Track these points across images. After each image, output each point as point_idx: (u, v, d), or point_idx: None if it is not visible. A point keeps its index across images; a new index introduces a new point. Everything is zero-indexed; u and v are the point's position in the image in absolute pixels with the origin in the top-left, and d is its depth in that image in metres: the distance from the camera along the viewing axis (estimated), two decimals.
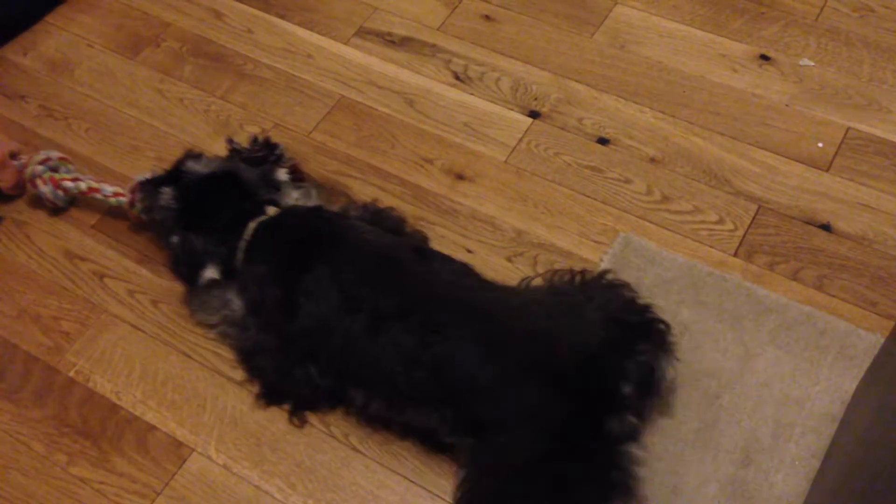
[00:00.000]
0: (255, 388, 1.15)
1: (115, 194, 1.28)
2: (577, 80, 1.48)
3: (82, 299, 1.24)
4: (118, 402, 1.14)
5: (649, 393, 1.02)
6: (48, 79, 1.51)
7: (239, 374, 1.16)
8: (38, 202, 1.33)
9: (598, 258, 1.26)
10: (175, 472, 1.08)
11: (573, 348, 1.00)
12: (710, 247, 1.27)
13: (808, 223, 1.29)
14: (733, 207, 1.31)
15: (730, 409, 1.10)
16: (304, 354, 1.10)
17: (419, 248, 1.19)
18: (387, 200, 1.34)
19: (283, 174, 1.24)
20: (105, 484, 1.07)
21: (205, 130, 1.43)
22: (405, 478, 1.08)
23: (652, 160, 1.38)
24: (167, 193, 1.18)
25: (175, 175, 1.21)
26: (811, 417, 1.09)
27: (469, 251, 1.28)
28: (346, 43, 1.55)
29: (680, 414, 1.10)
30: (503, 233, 1.30)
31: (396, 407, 1.06)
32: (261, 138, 1.29)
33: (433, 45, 1.54)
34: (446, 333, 1.01)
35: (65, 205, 1.32)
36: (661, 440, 1.08)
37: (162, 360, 1.18)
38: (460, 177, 1.37)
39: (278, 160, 1.27)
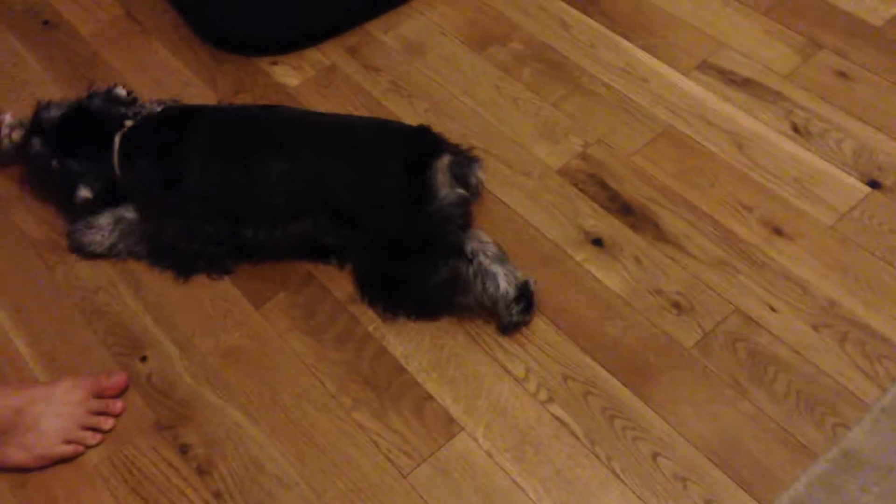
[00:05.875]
0: (170, 273, 1.33)
1: None
2: None
3: None
4: (405, 366, 1.22)
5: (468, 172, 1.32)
6: (402, 58, 1.63)
7: (518, 370, 1.20)
8: None
9: None
10: (443, 444, 1.14)
11: (405, 141, 1.31)
12: None
13: None
14: None
15: None
16: (200, 216, 1.29)
17: (265, 105, 1.49)
18: (695, 238, 1.31)
19: (120, 90, 1.40)
20: (380, 436, 1.15)
21: (530, 132, 1.49)
22: None
23: None
24: (36, 143, 1.37)
25: (36, 126, 1.38)
26: None
27: (773, 309, 1.22)
28: (686, 74, 1.54)
29: None
30: (814, 299, 1.23)
31: (280, 226, 1.27)
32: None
33: (777, 92, 1.49)
34: (309, 151, 1.28)
35: None
36: None
37: (450, 336, 1.24)
38: (778, 231, 1.31)
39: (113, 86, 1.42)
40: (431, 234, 1.24)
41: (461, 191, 1.28)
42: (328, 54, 1.65)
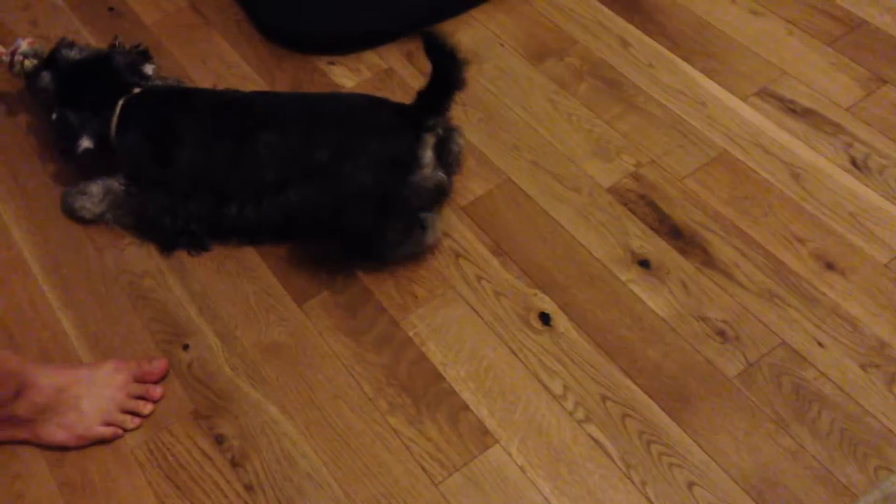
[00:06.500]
0: (154, 246, 1.36)
1: None
2: None
3: (436, 271, 1.33)
4: (443, 374, 1.21)
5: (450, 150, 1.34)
6: None
7: (557, 387, 1.19)
8: None
9: None
10: (477, 455, 1.13)
11: (390, 111, 1.29)
12: None
13: None
14: None
15: None
16: (186, 194, 1.31)
17: (259, 91, 1.52)
18: (744, 267, 1.29)
19: (149, 68, 1.41)
20: (414, 442, 1.15)
21: (583, 148, 1.48)
22: None
23: None
24: (45, 77, 1.38)
25: (52, 60, 1.39)
26: None
27: (821, 345, 1.20)
28: (744, 100, 1.52)
29: None
30: (864, 338, 1.21)
31: (266, 199, 1.28)
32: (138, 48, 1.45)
33: (837, 125, 1.46)
34: (298, 122, 1.28)
35: None
36: None
37: (490, 348, 1.23)
38: (830, 266, 1.29)
39: (145, 56, 1.43)
40: (408, 202, 1.26)
41: (441, 174, 1.28)
42: (386, 58, 1.66)
